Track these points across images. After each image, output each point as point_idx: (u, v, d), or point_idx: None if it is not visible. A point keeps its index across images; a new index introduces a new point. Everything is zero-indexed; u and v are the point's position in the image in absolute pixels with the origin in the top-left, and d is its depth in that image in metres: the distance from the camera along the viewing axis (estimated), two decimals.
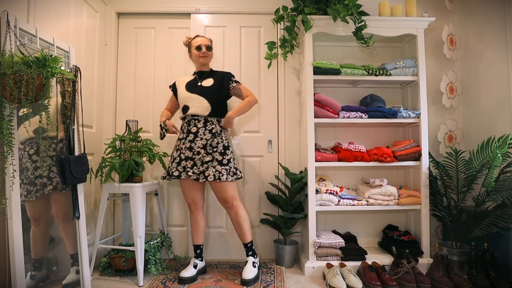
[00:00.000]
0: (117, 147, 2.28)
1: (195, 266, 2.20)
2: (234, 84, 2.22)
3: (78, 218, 1.82)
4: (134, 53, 2.76)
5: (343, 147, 2.40)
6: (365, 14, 2.33)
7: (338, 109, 2.38)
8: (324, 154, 2.37)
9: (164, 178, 2.19)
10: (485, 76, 2.43)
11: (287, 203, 2.42)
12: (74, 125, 1.80)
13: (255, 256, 2.20)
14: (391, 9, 2.44)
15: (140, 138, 2.35)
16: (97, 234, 2.21)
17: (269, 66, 2.63)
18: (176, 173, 2.12)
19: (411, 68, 2.42)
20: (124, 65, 2.76)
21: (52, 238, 1.91)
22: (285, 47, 2.55)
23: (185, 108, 2.18)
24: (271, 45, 2.54)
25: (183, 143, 2.15)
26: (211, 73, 2.27)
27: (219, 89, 2.18)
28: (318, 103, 2.36)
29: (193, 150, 2.11)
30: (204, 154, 2.09)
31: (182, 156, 2.13)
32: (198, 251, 2.27)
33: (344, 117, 2.38)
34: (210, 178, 2.05)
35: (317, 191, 2.33)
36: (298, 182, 2.39)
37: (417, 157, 2.38)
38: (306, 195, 2.36)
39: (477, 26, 2.52)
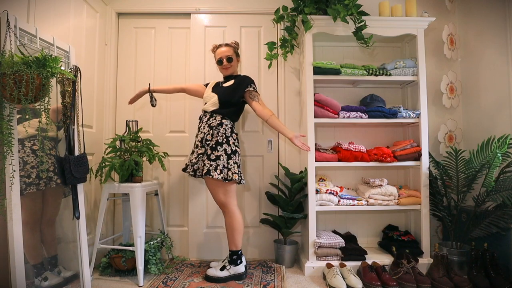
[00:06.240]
0: (117, 147, 2.28)
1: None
2: (251, 89, 2.19)
3: (78, 218, 1.82)
4: (134, 53, 2.76)
5: (343, 147, 2.40)
6: (365, 14, 2.33)
7: (338, 109, 2.38)
8: (324, 154, 2.36)
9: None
10: (485, 76, 2.43)
11: (287, 203, 2.42)
12: (74, 125, 1.80)
13: (232, 265, 2.12)
14: (391, 9, 2.44)
15: (140, 138, 2.35)
16: (97, 234, 2.21)
17: (269, 66, 2.63)
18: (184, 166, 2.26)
19: (411, 68, 2.42)
20: (124, 65, 2.75)
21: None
22: (285, 47, 2.55)
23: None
24: (271, 45, 2.54)
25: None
26: (236, 76, 2.28)
27: (235, 88, 2.19)
28: (318, 103, 2.36)
29: (195, 144, 2.20)
30: (200, 147, 2.14)
31: (191, 151, 2.23)
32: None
33: (344, 117, 2.38)
34: (199, 172, 2.10)
35: (317, 191, 2.33)
36: (298, 182, 2.39)
37: (417, 157, 2.38)
38: (306, 195, 2.36)
39: (477, 26, 2.52)
